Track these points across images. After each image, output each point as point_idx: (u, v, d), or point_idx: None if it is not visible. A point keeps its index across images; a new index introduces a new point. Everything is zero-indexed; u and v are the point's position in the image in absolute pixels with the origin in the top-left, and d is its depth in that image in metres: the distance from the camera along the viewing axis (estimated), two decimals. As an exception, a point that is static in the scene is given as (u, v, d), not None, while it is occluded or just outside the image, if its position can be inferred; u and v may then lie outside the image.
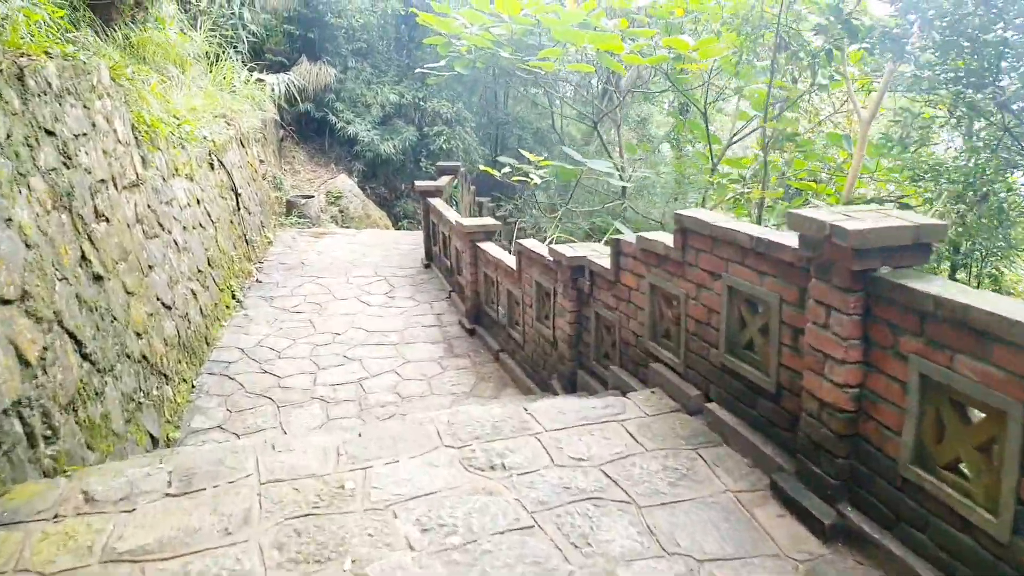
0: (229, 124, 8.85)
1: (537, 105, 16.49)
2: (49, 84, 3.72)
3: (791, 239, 2.64)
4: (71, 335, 3.52)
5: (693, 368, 3.43)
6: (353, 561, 2.31)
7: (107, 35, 6.57)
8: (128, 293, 4.45)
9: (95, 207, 4.14)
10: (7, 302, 2.96)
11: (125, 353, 4.20)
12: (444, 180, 10.41)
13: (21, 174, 3.28)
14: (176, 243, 5.80)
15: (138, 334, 4.49)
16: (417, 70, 11.97)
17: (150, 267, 5.02)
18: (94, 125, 4.35)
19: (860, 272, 2.28)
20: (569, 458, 2.96)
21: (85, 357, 3.64)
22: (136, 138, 5.27)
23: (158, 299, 5.05)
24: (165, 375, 4.92)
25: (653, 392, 3.54)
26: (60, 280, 3.49)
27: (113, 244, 4.34)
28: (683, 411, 3.36)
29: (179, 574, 2.25)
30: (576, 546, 2.40)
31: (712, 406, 3.23)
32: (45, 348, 3.20)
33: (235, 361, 6.06)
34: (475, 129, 16.43)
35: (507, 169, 8.39)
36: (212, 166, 7.58)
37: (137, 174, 5.09)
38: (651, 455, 2.98)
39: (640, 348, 3.90)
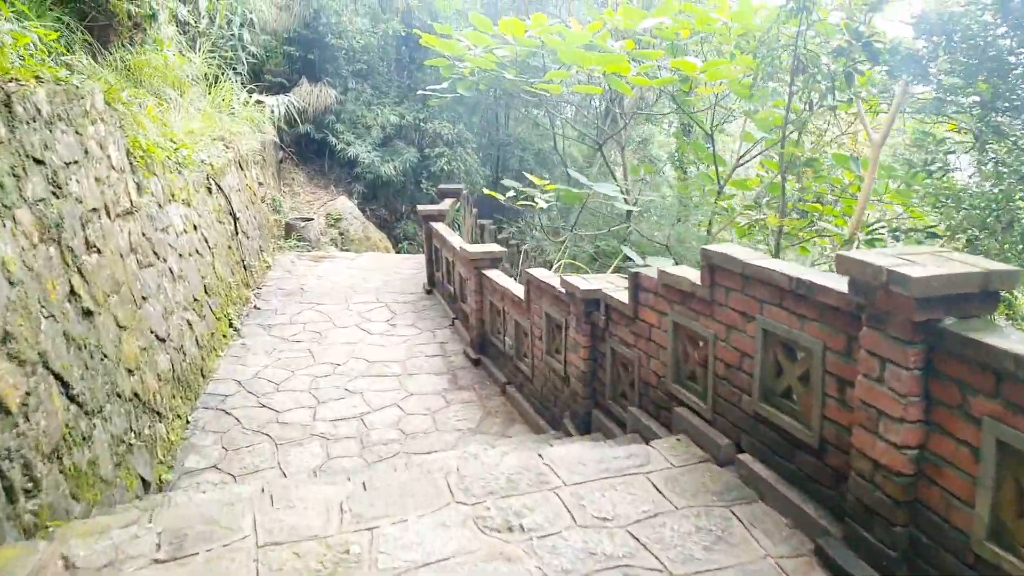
0: (228, 147, 8.67)
1: (539, 126, 16.35)
2: (39, 110, 3.53)
3: (836, 281, 2.44)
4: (57, 377, 3.29)
5: (722, 415, 3.20)
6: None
7: (104, 57, 6.41)
8: (120, 327, 4.22)
9: (86, 238, 3.93)
10: (-14, 347, 2.74)
11: (115, 392, 3.97)
12: (447, 203, 10.24)
13: (6, 206, 3.08)
14: (171, 272, 5.58)
15: (130, 371, 4.26)
16: (419, 91, 11.85)
17: (144, 298, 4.80)
18: (86, 152, 4.15)
19: (922, 323, 2.07)
20: (593, 518, 2.73)
21: (72, 399, 3.41)
22: (131, 164, 5.07)
23: (152, 332, 4.83)
24: (158, 412, 4.68)
25: (679, 440, 3.31)
26: (46, 318, 3.27)
27: (105, 276, 4.12)
28: (712, 461, 3.12)
29: (166, 661, 2.02)
30: (608, 625, 2.17)
31: (745, 457, 2.99)
32: (28, 393, 2.97)
33: (232, 394, 5.82)
34: (476, 150, 16.29)
35: (511, 193, 8.21)
36: (210, 190, 7.39)
37: (131, 201, 4.89)
38: (681, 514, 2.75)
39: (662, 390, 3.68)
